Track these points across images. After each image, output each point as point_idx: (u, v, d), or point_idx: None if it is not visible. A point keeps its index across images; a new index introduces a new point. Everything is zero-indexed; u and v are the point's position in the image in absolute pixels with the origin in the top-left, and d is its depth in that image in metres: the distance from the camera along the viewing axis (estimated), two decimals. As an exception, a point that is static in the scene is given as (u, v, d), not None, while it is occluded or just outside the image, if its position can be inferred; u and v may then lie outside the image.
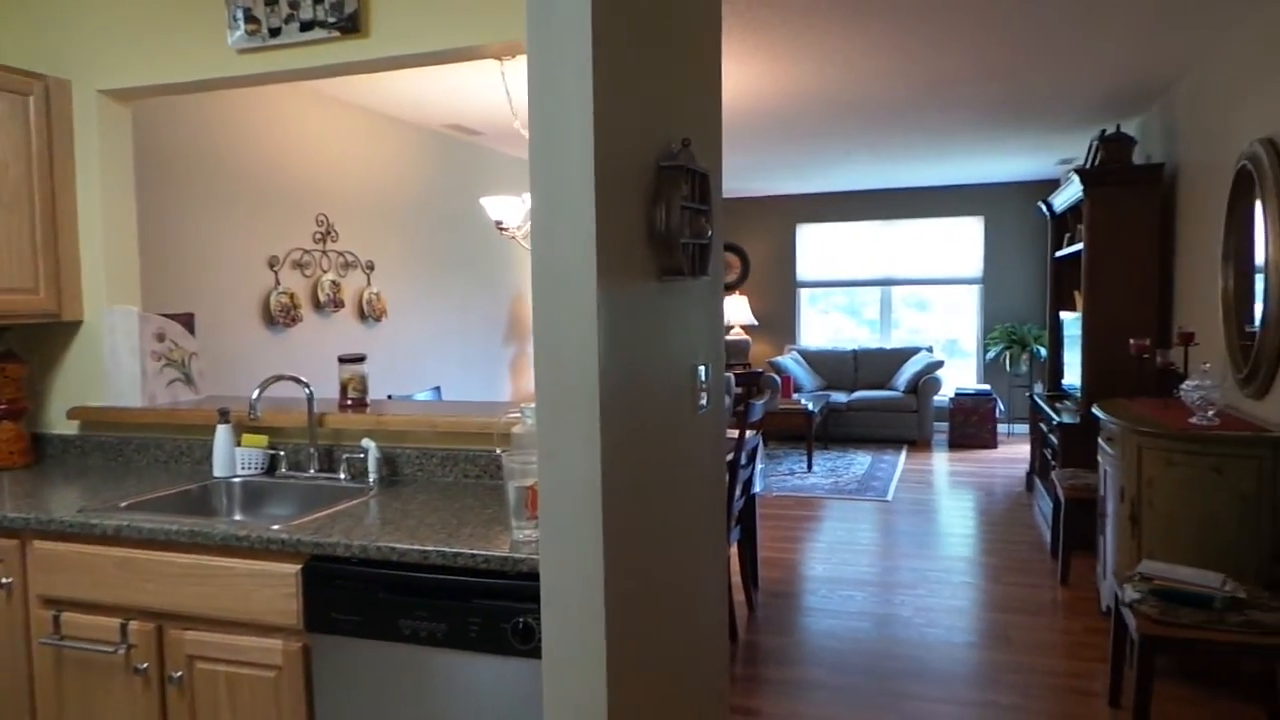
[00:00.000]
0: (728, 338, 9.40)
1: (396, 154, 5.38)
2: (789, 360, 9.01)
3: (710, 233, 2.07)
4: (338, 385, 2.73)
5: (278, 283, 4.43)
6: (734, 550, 4.27)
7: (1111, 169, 4.91)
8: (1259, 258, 3.42)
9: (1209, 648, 2.59)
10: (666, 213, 1.81)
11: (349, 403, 2.69)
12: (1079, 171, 4.90)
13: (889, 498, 6.35)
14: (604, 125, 1.55)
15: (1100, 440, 3.85)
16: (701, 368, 2.14)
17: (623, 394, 1.65)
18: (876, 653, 3.62)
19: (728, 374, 9.42)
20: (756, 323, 9.62)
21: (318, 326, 4.71)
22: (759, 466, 4.35)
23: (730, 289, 9.83)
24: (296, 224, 4.56)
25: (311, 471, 2.53)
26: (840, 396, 8.70)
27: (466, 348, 6.20)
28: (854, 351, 9.25)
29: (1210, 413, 3.26)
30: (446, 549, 1.80)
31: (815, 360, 9.29)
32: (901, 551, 5.03)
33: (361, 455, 2.49)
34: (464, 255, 6.13)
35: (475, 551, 1.78)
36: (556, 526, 1.58)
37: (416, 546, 1.82)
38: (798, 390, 8.75)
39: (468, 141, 6.14)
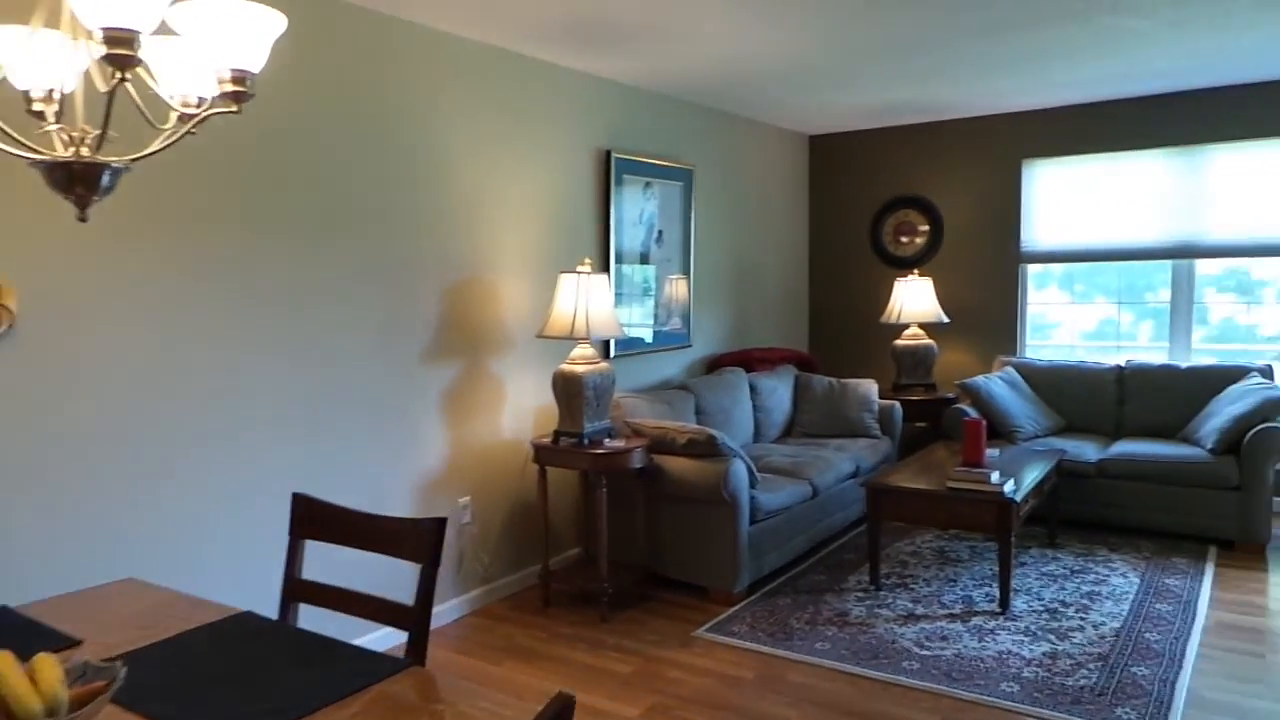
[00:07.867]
0: (899, 342, 5.93)
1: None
2: (996, 383, 5.40)
3: None
4: None
5: None
6: None
7: None
8: None
9: None
10: None
11: None
12: None
13: (1166, 733, 2.80)
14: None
15: None
16: None
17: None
18: None
19: (893, 402, 5.95)
20: (947, 319, 6.06)
21: None
22: None
23: (909, 266, 6.33)
24: None
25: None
26: (1089, 449, 5.00)
27: (314, 374, 3.43)
28: (1118, 370, 5.45)
29: None
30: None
31: (1044, 382, 5.58)
32: None
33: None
34: (306, 199, 3.37)
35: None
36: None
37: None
38: (1008, 436, 5.15)
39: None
